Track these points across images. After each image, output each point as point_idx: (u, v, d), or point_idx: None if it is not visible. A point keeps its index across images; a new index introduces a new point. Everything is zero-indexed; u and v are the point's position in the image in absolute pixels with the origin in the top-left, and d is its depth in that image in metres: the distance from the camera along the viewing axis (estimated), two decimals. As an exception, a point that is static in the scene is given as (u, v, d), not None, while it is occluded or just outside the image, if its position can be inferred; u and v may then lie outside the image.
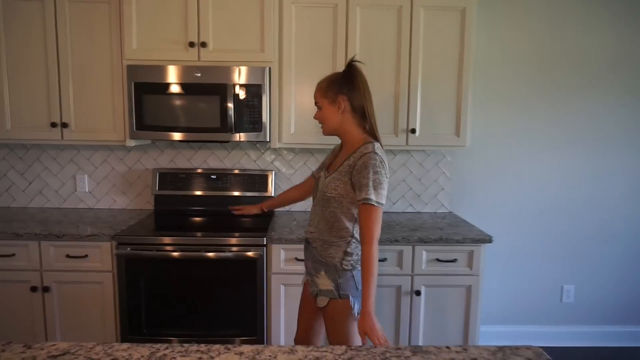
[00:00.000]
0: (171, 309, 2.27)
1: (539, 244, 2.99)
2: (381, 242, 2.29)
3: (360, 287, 1.70)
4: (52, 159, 2.82)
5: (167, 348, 1.12)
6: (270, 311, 2.32)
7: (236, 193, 2.73)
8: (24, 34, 2.42)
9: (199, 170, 2.77)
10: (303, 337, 1.94)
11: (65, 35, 2.41)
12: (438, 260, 2.35)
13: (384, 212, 2.78)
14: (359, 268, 1.72)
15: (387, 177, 1.67)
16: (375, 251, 1.62)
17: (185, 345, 1.14)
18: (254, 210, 2.37)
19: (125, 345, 1.12)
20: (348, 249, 1.72)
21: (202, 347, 1.13)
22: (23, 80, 2.45)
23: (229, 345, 1.13)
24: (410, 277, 2.36)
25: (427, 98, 2.52)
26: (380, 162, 1.65)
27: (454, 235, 2.37)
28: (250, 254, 2.22)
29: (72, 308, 2.30)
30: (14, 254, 2.27)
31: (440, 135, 2.56)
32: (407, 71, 2.49)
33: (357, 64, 1.74)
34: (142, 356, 1.08)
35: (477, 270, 2.35)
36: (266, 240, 2.27)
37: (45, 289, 2.27)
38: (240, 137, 2.39)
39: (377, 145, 1.70)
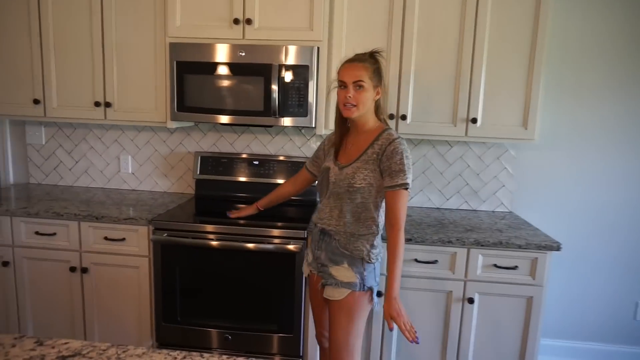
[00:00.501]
0: (206, 299, 2.18)
1: (611, 254, 2.65)
2: (432, 242, 2.09)
3: (378, 279, 1.77)
4: (97, 139, 2.80)
5: (184, 358, 0.99)
6: (307, 309, 2.18)
7: (279, 180, 2.59)
8: (70, 10, 2.37)
9: (242, 156, 2.65)
10: (321, 332, 1.94)
11: (110, 11, 2.34)
12: (496, 266, 2.10)
13: (435, 209, 2.55)
14: (380, 259, 1.77)
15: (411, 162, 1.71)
16: (403, 236, 1.66)
17: (205, 355, 1.00)
18: (249, 211, 2.20)
19: (140, 351, 1.01)
20: (375, 242, 1.74)
21: (224, 358, 0.99)
22: (69, 57, 2.41)
23: (252, 358, 0.99)
24: (463, 283, 2.13)
25: (492, 85, 2.25)
26: (406, 147, 1.69)
27: (515, 239, 2.11)
28: (290, 247, 2.08)
29: (109, 291, 2.27)
30: (55, 233, 2.26)
31: (505, 126, 2.28)
32: (470, 54, 2.23)
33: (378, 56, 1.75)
34: (157, 365, 0.96)
35: (540, 280, 2.09)
36: (306, 233, 2.12)
37: (84, 270, 2.25)
38: (284, 121, 2.24)
39: (394, 131, 1.75)
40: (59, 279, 2.28)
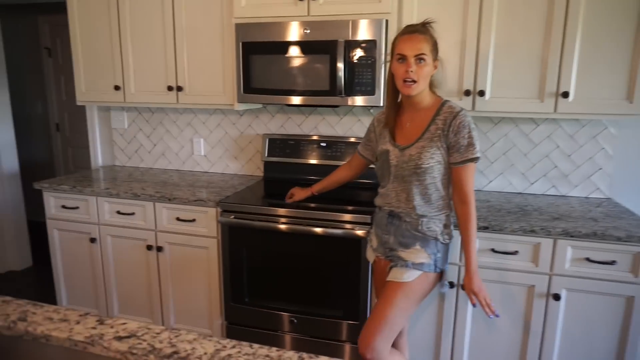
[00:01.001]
0: (272, 281, 2.18)
1: None
2: (513, 231, 1.90)
3: (449, 259, 1.74)
4: (172, 122, 2.90)
5: (234, 347, 0.96)
6: (374, 296, 2.09)
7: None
8: (145, -3, 2.45)
9: (309, 137, 2.60)
10: None
11: (180, -4, 2.38)
12: (589, 260, 1.86)
13: (517, 194, 2.34)
14: (452, 239, 1.72)
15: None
16: (475, 210, 1.64)
17: (255, 346, 0.96)
18: (304, 194, 2.13)
19: (191, 337, 0.99)
20: (447, 222, 1.70)
21: (273, 351, 0.94)
22: (144, 44, 2.50)
23: (304, 354, 0.93)
24: (547, 277, 1.91)
25: (588, 53, 1.95)
26: (471, 119, 1.62)
27: (613, 230, 1.84)
28: (357, 232, 2.00)
29: (182, 269, 2.36)
30: (134, 213, 2.38)
31: (602, 100, 1.98)
32: (562, 19, 1.95)
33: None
34: (206, 353, 0.94)
35: (644, 278, 1.81)
36: (371, 218, 2.02)
37: (159, 249, 2.36)
38: (351, 101, 2.14)
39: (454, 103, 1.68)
40: (137, 256, 2.42)
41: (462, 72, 2.09)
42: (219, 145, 2.85)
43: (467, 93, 2.09)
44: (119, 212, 2.40)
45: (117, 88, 2.58)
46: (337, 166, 2.51)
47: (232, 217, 2.17)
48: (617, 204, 2.25)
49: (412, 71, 1.55)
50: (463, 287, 1.72)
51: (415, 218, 1.67)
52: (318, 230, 2.04)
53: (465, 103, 2.09)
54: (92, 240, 2.46)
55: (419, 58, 1.55)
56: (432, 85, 1.68)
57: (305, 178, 2.60)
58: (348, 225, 2.03)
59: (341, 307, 2.12)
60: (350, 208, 2.10)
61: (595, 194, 2.36)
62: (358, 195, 2.38)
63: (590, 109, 2.00)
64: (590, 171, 2.34)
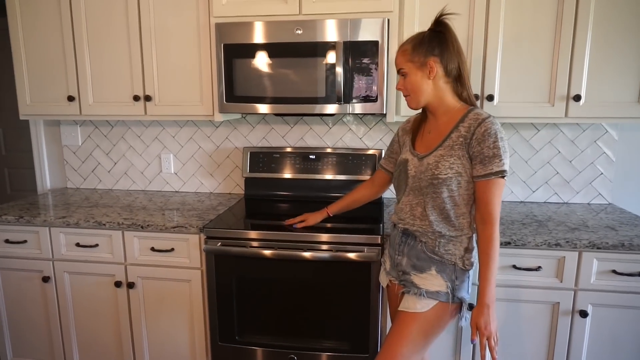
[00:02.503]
0: (267, 315, 1.91)
1: None
2: (536, 245, 1.75)
3: (470, 289, 1.49)
4: (136, 137, 2.56)
5: None
6: (385, 325, 1.87)
7: (340, 177, 2.29)
8: (103, -6, 2.11)
9: (297, 150, 2.35)
10: None
11: (146, -8, 2.07)
12: (615, 272, 1.74)
13: (519, 202, 2.20)
14: (475, 265, 1.48)
15: (508, 144, 1.44)
16: (498, 234, 1.40)
17: None
18: (319, 217, 1.88)
19: None
20: (469, 245, 1.47)
21: None
22: (103, 47, 2.16)
23: None
24: (572, 293, 1.78)
25: (599, 53, 1.87)
26: (500, 128, 1.40)
27: (637, 239, 1.74)
28: (363, 254, 1.77)
29: (159, 307, 2.03)
30: (97, 245, 2.02)
31: (613, 103, 1.90)
32: (572, 17, 1.85)
33: (447, 20, 1.44)
34: None
35: (672, 288, 1.72)
36: (381, 238, 1.80)
37: (130, 285, 2.01)
38: (351, 109, 1.92)
39: (485, 111, 1.49)
40: (103, 294, 2.05)
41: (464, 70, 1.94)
42: (192, 162, 2.54)
43: (476, 97, 1.94)
44: (78, 245, 2.03)
45: (71, 99, 2.21)
46: (328, 180, 2.30)
47: (219, 244, 1.88)
48: (622, 209, 2.18)
49: (398, 87, 1.51)
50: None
51: (432, 238, 1.47)
52: (317, 254, 1.79)
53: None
54: (45, 279, 2.07)
55: (401, 73, 1.48)
56: (458, 89, 1.47)
57: (292, 195, 2.35)
58: (355, 247, 1.80)
59: (348, 339, 1.87)
60: (357, 227, 1.87)
61: (597, 200, 2.29)
62: (367, 211, 2.16)
63: (602, 113, 1.91)
64: (592, 177, 2.27)
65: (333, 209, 1.87)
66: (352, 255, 1.77)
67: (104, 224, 1.97)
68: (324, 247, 1.81)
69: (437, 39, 1.43)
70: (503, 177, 1.38)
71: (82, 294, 2.08)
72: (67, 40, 2.16)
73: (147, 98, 2.15)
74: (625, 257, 1.73)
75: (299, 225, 1.87)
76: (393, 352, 1.43)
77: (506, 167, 1.38)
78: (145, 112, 2.18)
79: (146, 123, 2.53)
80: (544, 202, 2.31)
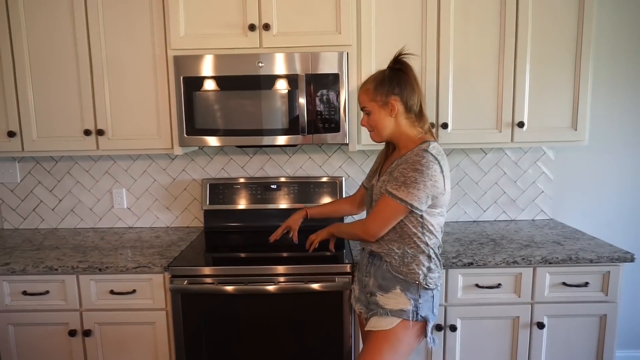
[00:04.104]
0: (240, 355, 1.85)
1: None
2: (496, 264, 1.85)
3: (436, 310, 1.58)
4: (84, 172, 2.41)
5: None
6: (358, 349, 1.89)
7: (304, 204, 2.30)
8: (48, 23, 2.00)
9: (258, 180, 2.34)
10: None
11: (97, 24, 1.99)
12: (565, 284, 1.89)
13: (472, 222, 2.28)
14: (439, 287, 1.58)
15: (431, 180, 1.45)
16: (363, 236, 1.56)
17: None
18: (299, 219, 1.85)
19: None
20: (431, 265, 1.54)
21: None
22: (50, 80, 2.04)
23: None
24: (529, 306, 1.90)
25: (538, 84, 2.05)
26: (428, 162, 1.45)
27: (582, 252, 1.91)
28: (335, 283, 1.79)
29: (119, 355, 1.90)
30: (47, 292, 1.87)
31: (553, 128, 2.09)
32: (512, 51, 2.02)
33: (405, 59, 1.55)
34: None
35: (614, 296, 1.89)
36: (351, 266, 1.83)
37: (86, 333, 1.87)
38: (315, 139, 1.95)
39: (433, 144, 1.51)
40: (55, 346, 1.89)
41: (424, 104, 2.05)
42: (146, 195, 2.44)
43: (431, 126, 2.04)
44: (25, 293, 1.87)
45: (11, 134, 2.06)
46: (291, 209, 2.30)
47: (186, 282, 1.81)
48: (562, 224, 2.38)
49: (362, 124, 1.60)
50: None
51: (395, 258, 1.53)
52: (293, 285, 1.79)
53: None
54: (-14, 333, 1.88)
55: (364, 111, 1.57)
56: (417, 125, 1.55)
57: (255, 226, 2.32)
58: (320, 278, 1.80)
59: (323, 370, 1.86)
60: (321, 256, 1.88)
61: (540, 216, 2.48)
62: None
63: (543, 137, 2.09)
64: (534, 195, 2.46)
65: (312, 211, 1.87)
66: (321, 286, 1.78)
67: (56, 269, 1.83)
68: (296, 278, 1.80)
69: (397, 79, 1.52)
70: (395, 199, 1.44)
71: (29, 347, 1.90)
72: (7, 70, 2.02)
73: (100, 132, 2.05)
74: (573, 270, 1.88)
75: (295, 239, 1.83)
76: None
77: (398, 194, 1.44)
78: (98, 147, 2.07)
79: (95, 157, 2.40)
80: (494, 221, 2.47)
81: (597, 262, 1.86)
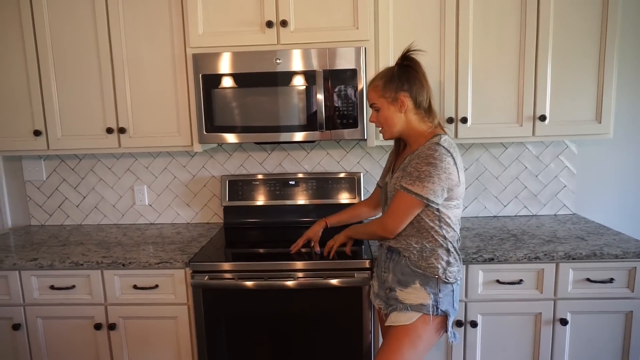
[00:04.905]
0: (261, 350, 1.87)
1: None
2: (518, 260, 1.83)
3: (457, 305, 1.58)
4: (107, 169, 2.47)
5: None
6: (379, 344, 1.89)
7: (322, 200, 2.30)
8: (71, 25, 2.05)
9: (276, 176, 2.35)
10: None
11: (117, 23, 2.03)
12: (589, 280, 1.85)
13: (492, 217, 2.22)
14: (459, 281, 1.57)
15: (445, 172, 1.44)
16: (382, 233, 1.56)
17: None
18: (319, 231, 1.90)
19: None
20: (450, 259, 1.53)
21: None
22: (73, 81, 2.08)
23: None
24: (552, 302, 1.87)
25: (560, 76, 2.01)
26: (441, 154, 1.44)
27: (606, 247, 1.87)
28: (354, 278, 1.79)
29: (143, 348, 1.94)
30: (74, 286, 1.92)
31: (576, 122, 2.04)
32: (534, 44, 1.98)
33: (413, 55, 1.54)
34: None
35: (640, 292, 1.85)
36: (370, 262, 1.83)
37: (111, 327, 1.92)
38: (333, 135, 1.96)
39: (444, 137, 1.51)
40: (81, 338, 1.94)
41: (442, 98, 2.03)
42: (167, 192, 2.48)
43: (450, 120, 2.03)
44: (52, 287, 1.92)
45: (37, 133, 2.11)
46: (310, 205, 2.32)
47: (207, 277, 1.83)
48: (585, 218, 2.33)
49: (371, 120, 1.61)
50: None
51: (414, 252, 1.53)
52: (312, 280, 1.79)
53: (447, 131, 2.02)
54: (16, 327, 1.93)
55: (374, 108, 1.58)
56: (427, 120, 1.55)
57: (274, 222, 2.34)
58: (340, 273, 1.81)
59: (342, 365, 1.87)
60: (341, 252, 1.88)
61: (563, 211, 2.43)
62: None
63: (565, 131, 2.05)
64: (557, 189, 2.41)
65: (332, 220, 1.90)
66: (340, 281, 1.78)
67: (82, 264, 1.88)
68: (315, 274, 1.81)
69: (406, 75, 1.52)
70: (410, 194, 1.45)
71: (57, 340, 1.96)
72: (32, 69, 2.07)
73: (121, 130, 2.09)
74: (597, 266, 1.84)
75: (317, 249, 1.87)
76: None
77: (405, 184, 1.46)
78: (120, 145, 2.11)
79: (117, 155, 2.45)
80: (515, 216, 2.43)
81: (622, 258, 1.82)
